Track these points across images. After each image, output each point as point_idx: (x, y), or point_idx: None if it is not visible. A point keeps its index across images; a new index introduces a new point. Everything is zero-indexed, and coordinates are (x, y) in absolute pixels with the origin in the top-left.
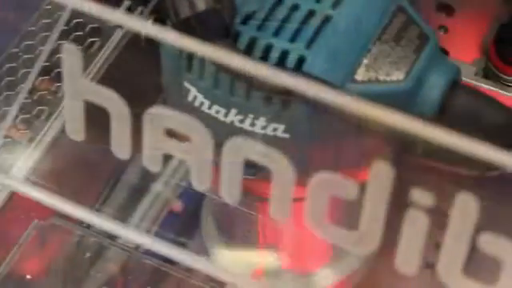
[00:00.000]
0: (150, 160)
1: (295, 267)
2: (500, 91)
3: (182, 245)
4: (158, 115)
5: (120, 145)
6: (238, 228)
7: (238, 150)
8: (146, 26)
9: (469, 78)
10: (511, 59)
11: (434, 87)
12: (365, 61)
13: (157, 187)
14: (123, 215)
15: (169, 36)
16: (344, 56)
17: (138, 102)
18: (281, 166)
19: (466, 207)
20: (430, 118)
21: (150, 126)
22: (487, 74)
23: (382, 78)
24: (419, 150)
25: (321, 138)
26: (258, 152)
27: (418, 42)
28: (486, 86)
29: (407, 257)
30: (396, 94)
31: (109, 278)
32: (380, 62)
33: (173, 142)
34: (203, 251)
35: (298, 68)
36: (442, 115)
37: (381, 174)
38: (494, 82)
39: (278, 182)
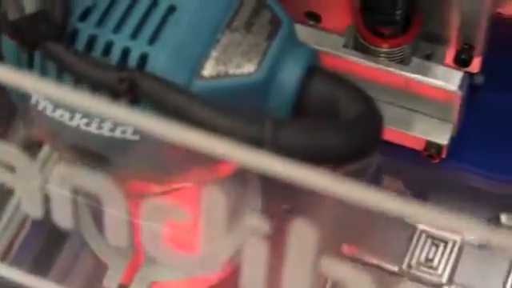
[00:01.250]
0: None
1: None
2: (367, 62)
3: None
4: None
5: None
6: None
7: (65, 179)
8: None
9: (337, 50)
10: (379, 29)
11: (289, 76)
12: (213, 53)
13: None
14: None
15: None
16: (189, 50)
17: None
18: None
19: (303, 234)
20: None
21: None
22: (356, 45)
23: (231, 71)
24: None
25: None
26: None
27: (270, 28)
28: (353, 58)
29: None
30: (248, 87)
31: None
32: (230, 53)
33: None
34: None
35: (142, 66)
36: (300, 101)
37: (213, 197)
38: (363, 54)
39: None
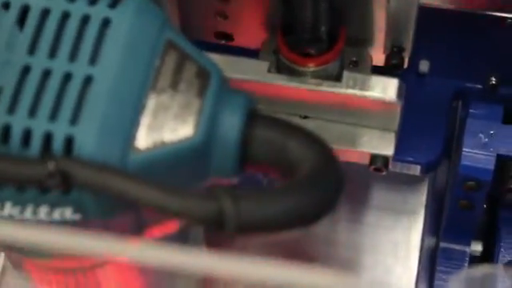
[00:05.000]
0: None
1: None
2: (297, 85)
3: None
4: None
5: None
6: None
7: None
8: None
9: (264, 77)
10: (305, 49)
11: (230, 130)
12: (143, 120)
13: None
14: None
15: None
16: (117, 122)
17: None
18: None
19: None
20: None
21: None
22: (280, 68)
23: (167, 138)
24: None
25: (116, 210)
26: None
27: (198, 82)
28: (282, 83)
29: None
30: (188, 152)
31: None
32: (161, 117)
33: None
34: None
35: (68, 151)
36: (246, 154)
37: None
38: (290, 76)
39: None
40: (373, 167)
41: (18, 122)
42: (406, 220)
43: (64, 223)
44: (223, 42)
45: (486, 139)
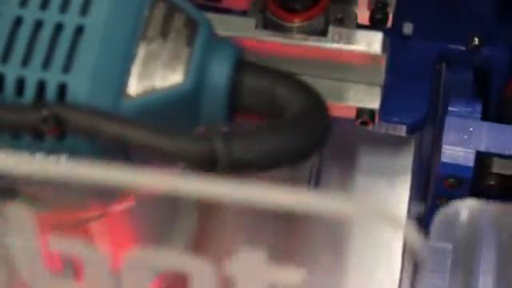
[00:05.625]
0: None
1: None
2: (284, 40)
3: None
4: None
5: None
6: None
7: None
8: None
9: (251, 33)
10: (290, 5)
11: (218, 77)
12: (134, 69)
13: None
14: None
15: None
16: (109, 70)
17: None
18: None
19: None
20: None
21: None
22: (267, 25)
23: (158, 85)
24: None
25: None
26: None
27: (187, 32)
28: (270, 38)
29: None
30: (178, 98)
31: None
32: (152, 66)
33: None
34: None
35: (61, 98)
36: (235, 101)
37: None
38: (275, 31)
39: None
40: (359, 121)
41: (12, 71)
42: (394, 182)
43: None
44: (211, 3)
45: (465, 136)
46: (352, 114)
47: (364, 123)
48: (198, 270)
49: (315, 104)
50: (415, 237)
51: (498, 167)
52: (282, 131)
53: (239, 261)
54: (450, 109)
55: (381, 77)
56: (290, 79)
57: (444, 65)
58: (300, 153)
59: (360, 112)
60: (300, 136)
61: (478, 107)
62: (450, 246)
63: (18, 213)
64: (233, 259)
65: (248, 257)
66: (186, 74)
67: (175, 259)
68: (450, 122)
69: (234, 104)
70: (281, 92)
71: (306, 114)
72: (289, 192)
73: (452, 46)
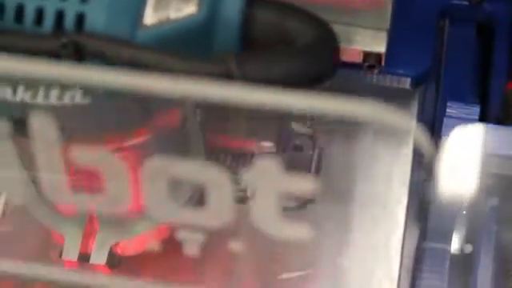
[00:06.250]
0: None
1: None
2: None
3: None
4: None
5: None
6: None
7: None
8: None
9: None
10: None
11: (231, 9)
12: (150, 0)
13: None
14: None
15: None
16: (125, 0)
17: None
18: None
19: None
20: None
21: None
22: None
23: (173, 15)
24: None
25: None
26: None
27: None
28: None
29: None
30: (192, 29)
31: None
32: None
33: None
34: None
35: (80, 27)
36: (247, 34)
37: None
38: None
39: None
40: (366, 64)
41: (31, 2)
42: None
43: (75, 108)
44: None
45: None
46: (359, 58)
47: (371, 66)
48: (215, 178)
49: (325, 35)
50: (424, 138)
51: None
52: (295, 56)
53: (254, 169)
54: (447, 110)
55: (386, 22)
56: (300, 12)
57: (447, 21)
58: (310, 78)
59: (366, 56)
60: (310, 61)
61: (476, 109)
62: (448, 247)
63: (41, 121)
64: (248, 168)
65: (263, 164)
66: (200, 5)
67: (193, 168)
68: (447, 123)
69: (247, 36)
70: (292, 24)
71: (317, 43)
72: (304, 96)
73: (455, 1)
